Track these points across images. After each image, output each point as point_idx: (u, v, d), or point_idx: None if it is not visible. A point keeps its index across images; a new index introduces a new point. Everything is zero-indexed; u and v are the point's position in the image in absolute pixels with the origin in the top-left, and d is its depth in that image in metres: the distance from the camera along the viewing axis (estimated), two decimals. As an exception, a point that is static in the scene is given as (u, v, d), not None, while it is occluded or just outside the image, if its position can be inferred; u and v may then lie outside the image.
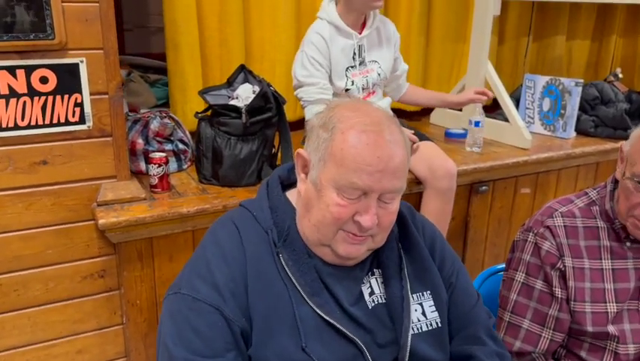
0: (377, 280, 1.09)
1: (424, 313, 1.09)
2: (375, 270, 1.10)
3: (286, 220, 1.05)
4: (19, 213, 1.63)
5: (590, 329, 1.25)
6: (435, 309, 1.10)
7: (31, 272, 1.70)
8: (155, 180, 1.82)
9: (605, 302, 1.26)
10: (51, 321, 1.76)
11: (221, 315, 0.95)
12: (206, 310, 0.96)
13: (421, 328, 1.07)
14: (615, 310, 1.25)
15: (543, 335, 1.28)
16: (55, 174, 1.65)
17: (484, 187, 2.36)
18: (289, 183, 1.13)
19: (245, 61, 2.33)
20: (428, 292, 1.10)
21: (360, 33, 2.10)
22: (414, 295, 1.09)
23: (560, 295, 1.26)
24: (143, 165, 1.96)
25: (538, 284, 1.29)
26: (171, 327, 0.97)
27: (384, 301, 1.07)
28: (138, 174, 1.94)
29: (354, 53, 2.09)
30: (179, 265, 1.77)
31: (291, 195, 1.11)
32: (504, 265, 1.50)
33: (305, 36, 2.08)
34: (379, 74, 2.16)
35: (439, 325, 1.09)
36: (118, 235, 1.66)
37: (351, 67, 2.10)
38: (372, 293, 1.07)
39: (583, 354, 1.29)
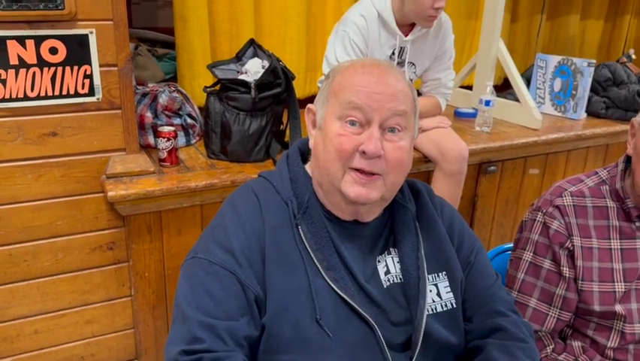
0: (393, 260, 1.08)
1: (439, 294, 1.08)
2: (391, 249, 1.09)
3: (306, 192, 1.05)
4: (28, 184, 1.64)
5: (597, 308, 1.25)
6: (450, 290, 1.09)
7: (41, 243, 1.71)
8: (164, 154, 1.82)
9: (613, 282, 1.26)
10: (60, 291, 1.78)
11: (237, 280, 0.95)
12: (222, 274, 0.96)
13: (435, 308, 1.06)
14: (623, 290, 1.25)
15: (550, 313, 1.29)
16: (64, 145, 1.65)
17: (492, 167, 2.35)
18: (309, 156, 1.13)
19: (254, 36, 2.30)
20: (444, 272, 1.09)
21: (405, 35, 1.98)
22: (429, 276, 1.07)
23: (567, 275, 1.26)
24: (151, 139, 1.96)
25: (546, 263, 1.29)
26: (187, 289, 0.97)
27: (399, 281, 1.06)
28: (147, 148, 1.94)
29: (393, 53, 2.00)
30: (188, 239, 1.80)
31: (310, 167, 1.11)
32: (510, 245, 1.50)
33: (347, 13, 1.97)
34: (411, 80, 2.08)
35: (454, 305, 1.08)
36: (127, 208, 1.67)
37: None
38: (387, 272, 1.06)
39: (589, 333, 1.30)
